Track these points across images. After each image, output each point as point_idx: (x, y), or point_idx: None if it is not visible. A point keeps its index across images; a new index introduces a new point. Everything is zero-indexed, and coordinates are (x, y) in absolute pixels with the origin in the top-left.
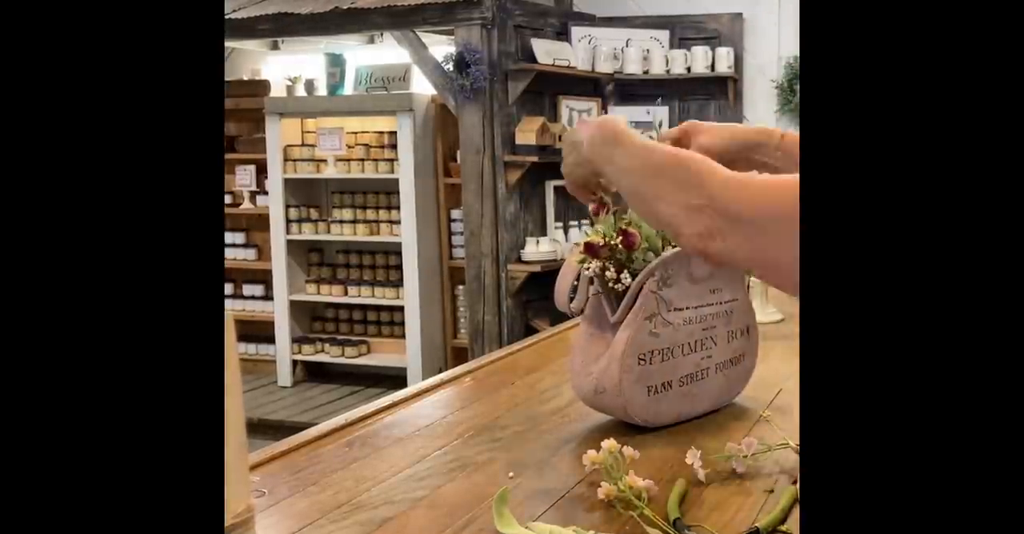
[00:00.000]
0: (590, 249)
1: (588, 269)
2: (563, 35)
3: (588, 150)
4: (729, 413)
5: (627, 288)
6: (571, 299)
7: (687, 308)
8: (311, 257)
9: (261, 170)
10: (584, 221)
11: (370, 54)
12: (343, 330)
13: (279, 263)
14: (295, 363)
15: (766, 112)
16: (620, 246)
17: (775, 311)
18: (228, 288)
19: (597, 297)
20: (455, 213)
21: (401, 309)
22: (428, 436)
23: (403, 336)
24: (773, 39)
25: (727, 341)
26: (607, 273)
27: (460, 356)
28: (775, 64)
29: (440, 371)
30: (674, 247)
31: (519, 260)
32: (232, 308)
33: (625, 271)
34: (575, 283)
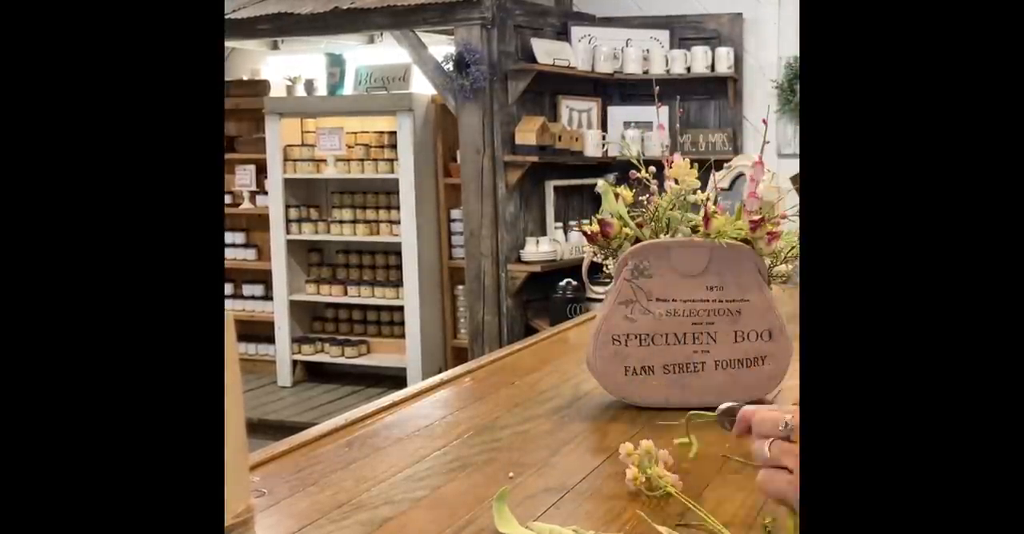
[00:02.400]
0: (588, 238)
1: (590, 253)
2: (563, 35)
3: None
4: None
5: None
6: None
7: (673, 300)
8: (311, 257)
9: (261, 170)
10: (584, 221)
11: (370, 54)
12: (343, 330)
13: (279, 263)
14: (295, 363)
15: (766, 112)
16: (599, 236)
17: None
18: (228, 288)
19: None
20: (455, 213)
21: (401, 309)
22: (428, 436)
23: (403, 336)
24: (773, 39)
25: (734, 340)
26: (595, 258)
27: (460, 356)
28: (775, 64)
29: (440, 371)
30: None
31: (519, 260)
32: (232, 308)
33: (610, 259)
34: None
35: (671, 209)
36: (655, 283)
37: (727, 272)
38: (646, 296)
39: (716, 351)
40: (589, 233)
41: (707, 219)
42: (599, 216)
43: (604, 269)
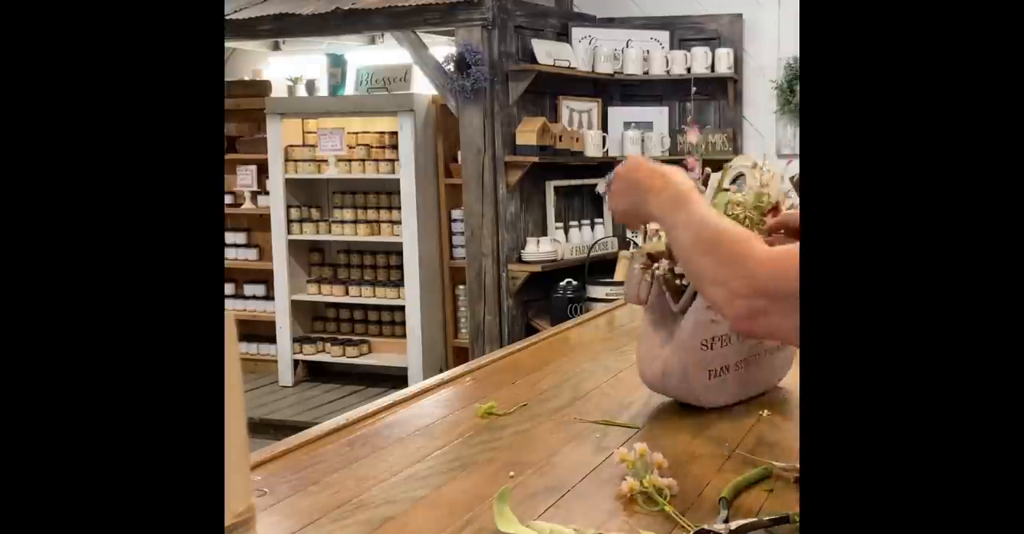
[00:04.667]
0: (651, 258)
1: (657, 268)
2: (563, 36)
3: (653, 203)
4: (728, 412)
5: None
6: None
7: None
8: (312, 257)
9: (262, 170)
10: (584, 221)
11: (371, 55)
12: (344, 330)
13: (280, 263)
14: (296, 363)
15: (766, 112)
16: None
17: None
18: (229, 288)
19: (660, 289)
20: (456, 213)
21: (402, 309)
22: (428, 436)
23: (404, 336)
24: (773, 40)
25: None
26: (668, 271)
27: (460, 356)
28: (775, 65)
29: (441, 371)
30: None
31: (519, 260)
32: (233, 308)
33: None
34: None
35: (752, 209)
36: None
37: None
38: None
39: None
40: (655, 254)
41: (776, 211)
42: None
43: (677, 281)
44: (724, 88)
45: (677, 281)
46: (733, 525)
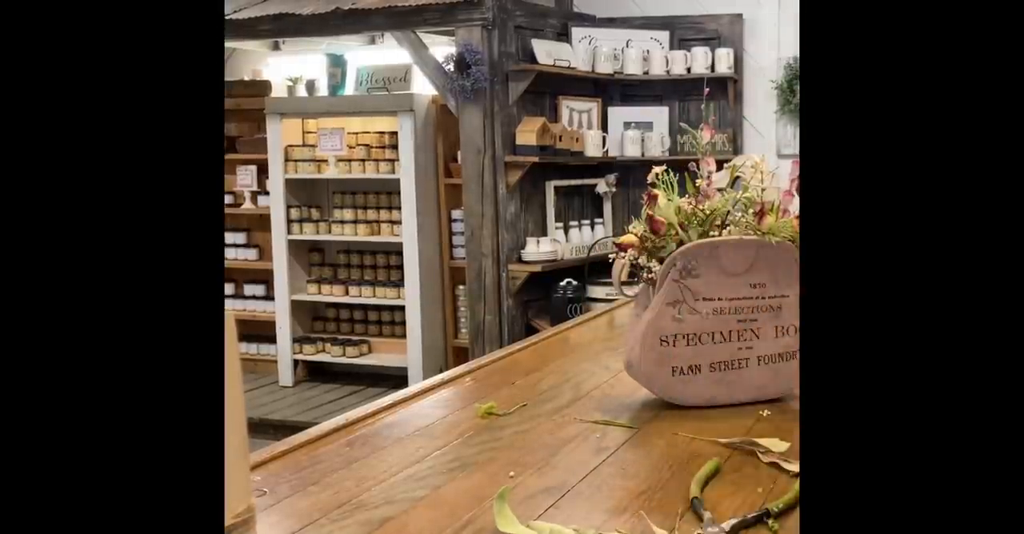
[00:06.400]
0: (619, 247)
1: (623, 258)
2: (563, 36)
3: None
4: (728, 411)
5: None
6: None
7: (718, 299)
8: (312, 257)
9: (262, 170)
10: (584, 221)
11: (371, 55)
12: (344, 330)
13: (280, 263)
14: (296, 363)
15: (766, 112)
16: (649, 232)
17: None
18: (229, 288)
19: (647, 283)
20: (456, 213)
21: (402, 309)
22: (428, 436)
23: (404, 336)
24: (773, 40)
25: (775, 336)
26: (640, 260)
27: (461, 356)
28: (775, 65)
29: (441, 371)
30: (700, 237)
31: (519, 260)
32: (233, 308)
33: (654, 260)
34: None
35: (732, 207)
36: (702, 283)
37: (768, 269)
38: (693, 296)
39: (759, 347)
40: (637, 235)
41: (761, 215)
42: (651, 213)
43: (647, 273)
44: (724, 88)
45: (648, 274)
46: (727, 526)
